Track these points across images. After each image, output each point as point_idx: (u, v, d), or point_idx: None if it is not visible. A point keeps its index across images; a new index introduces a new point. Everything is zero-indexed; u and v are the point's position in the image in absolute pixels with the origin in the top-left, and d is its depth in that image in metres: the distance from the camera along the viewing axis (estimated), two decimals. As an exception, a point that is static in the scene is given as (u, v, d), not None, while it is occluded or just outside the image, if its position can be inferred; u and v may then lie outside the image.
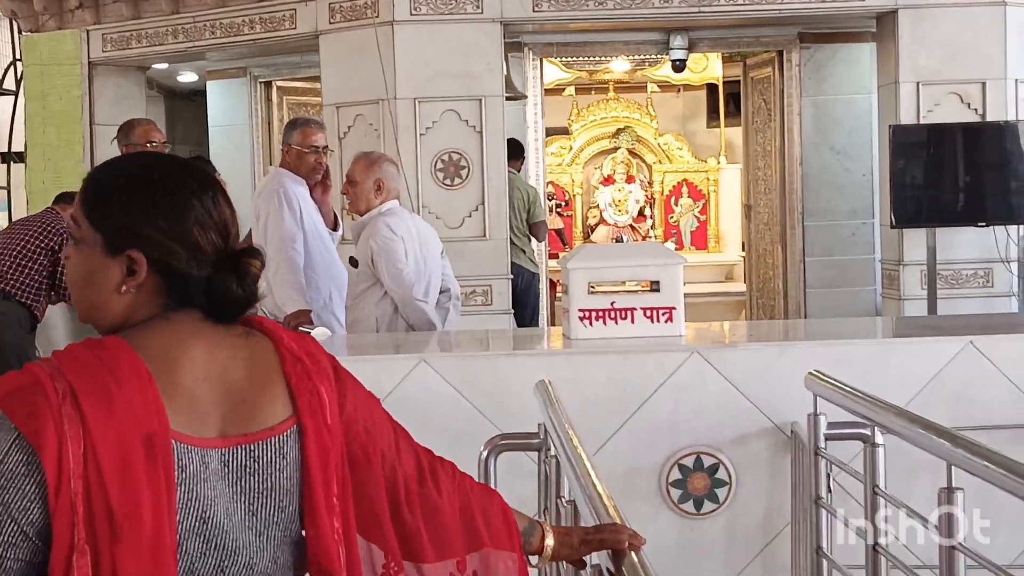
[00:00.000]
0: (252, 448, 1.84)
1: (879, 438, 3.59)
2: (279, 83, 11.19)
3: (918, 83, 8.62)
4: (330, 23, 8.70)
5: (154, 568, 1.72)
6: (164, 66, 10.93)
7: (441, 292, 5.85)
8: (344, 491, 1.94)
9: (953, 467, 2.85)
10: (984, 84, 8.62)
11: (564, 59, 11.29)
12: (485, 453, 4.05)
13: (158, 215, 1.84)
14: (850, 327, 6.54)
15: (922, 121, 8.60)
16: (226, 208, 1.92)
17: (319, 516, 1.88)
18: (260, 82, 11.11)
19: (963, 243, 8.66)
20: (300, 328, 5.33)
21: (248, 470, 1.84)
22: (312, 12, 8.80)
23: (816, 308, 10.05)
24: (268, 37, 9.18)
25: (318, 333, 5.15)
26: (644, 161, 14.48)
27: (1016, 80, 8.67)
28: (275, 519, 1.86)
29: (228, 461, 1.82)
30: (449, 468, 2.20)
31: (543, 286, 9.87)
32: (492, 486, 3.97)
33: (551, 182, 13.45)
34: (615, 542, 2.23)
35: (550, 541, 2.26)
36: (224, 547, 1.81)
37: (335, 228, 6.16)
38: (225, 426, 1.83)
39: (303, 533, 1.91)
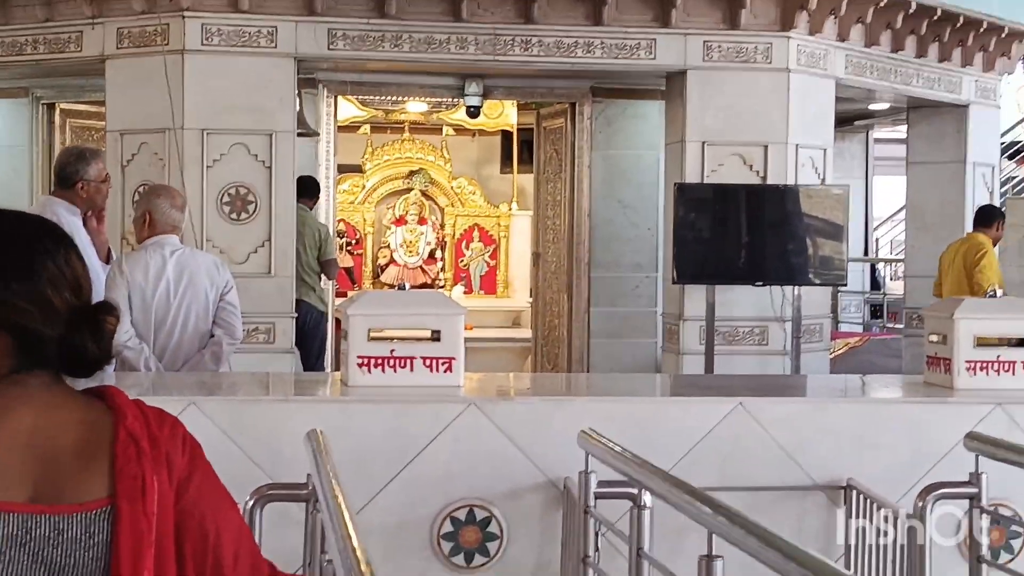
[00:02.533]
0: (57, 520, 1.78)
1: (647, 499, 3.60)
2: (63, 105, 10.80)
3: (703, 143, 8.84)
4: (118, 48, 8.46)
5: None
6: (-59, 81, 10.46)
7: (213, 334, 5.70)
8: None
9: (714, 534, 2.87)
10: (766, 147, 8.90)
11: (359, 97, 11.23)
12: (251, 502, 3.93)
13: (10, 277, 1.81)
14: (629, 384, 6.61)
15: (706, 180, 8.82)
16: (78, 264, 1.90)
17: None
18: (43, 103, 10.70)
19: (741, 301, 8.89)
20: None
21: (52, 542, 1.77)
22: (99, 36, 8.53)
23: (599, 358, 10.18)
24: (52, 58, 8.85)
25: None
26: (437, 203, 14.51)
27: (797, 145, 8.97)
28: None
29: (31, 528, 1.76)
30: None
31: (331, 325, 9.76)
32: (257, 536, 3.85)
33: (342, 220, 13.36)
34: None
35: None
36: None
37: (107, 261, 5.93)
38: (37, 493, 1.78)
39: None
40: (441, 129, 14.23)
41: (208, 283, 5.70)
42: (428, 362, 4.83)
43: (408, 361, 4.83)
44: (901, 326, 11.77)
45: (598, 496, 4.07)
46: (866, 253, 14.72)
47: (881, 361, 11.39)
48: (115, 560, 1.80)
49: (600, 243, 10.23)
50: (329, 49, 8.46)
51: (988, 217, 9.92)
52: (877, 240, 16.90)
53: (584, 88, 10.11)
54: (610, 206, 10.26)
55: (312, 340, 9.19)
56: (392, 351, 4.83)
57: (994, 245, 9.86)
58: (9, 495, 1.76)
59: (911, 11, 9.57)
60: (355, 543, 2.59)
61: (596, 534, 4.10)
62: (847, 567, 4.53)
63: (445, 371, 4.83)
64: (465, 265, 14.40)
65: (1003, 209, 10.51)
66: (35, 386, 1.84)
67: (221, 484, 1.98)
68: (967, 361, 5.02)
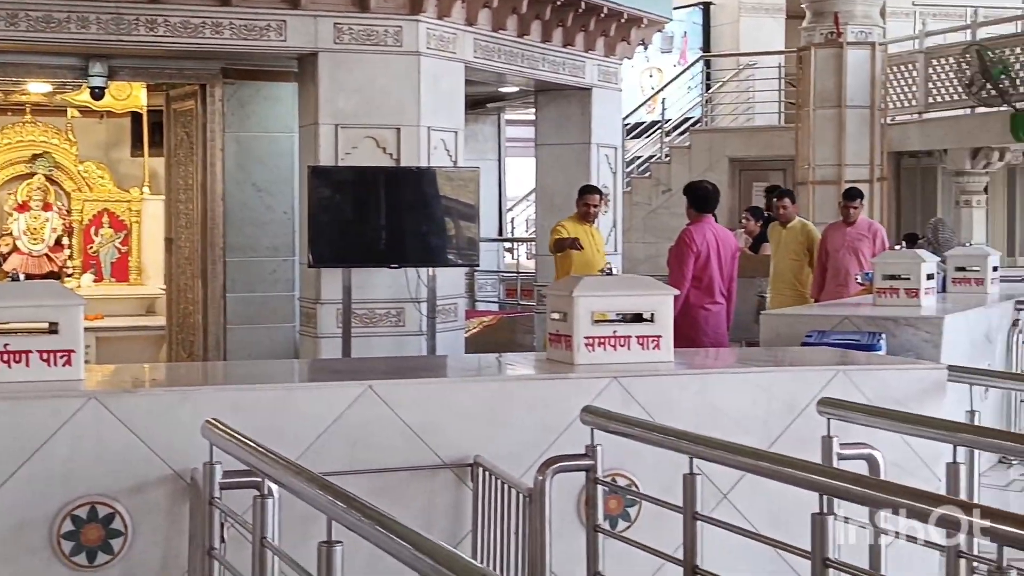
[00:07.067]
0: None
1: (271, 488, 3.57)
2: None
3: (337, 125, 8.85)
4: None
5: None
6: None
7: None
8: None
9: (333, 521, 2.87)
10: (399, 130, 8.98)
11: (-26, 77, 10.62)
12: None
13: None
14: (264, 370, 6.54)
15: (341, 163, 8.82)
16: None
17: None
18: None
19: (378, 283, 8.95)
20: None
21: None
22: None
23: (237, 344, 10.03)
24: None
25: None
26: (63, 188, 13.91)
27: (429, 128, 9.09)
28: None
29: None
30: None
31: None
32: None
33: (-40, 207, 12.62)
34: None
35: None
36: None
37: None
38: None
39: None
40: (66, 111, 13.64)
41: None
42: (45, 356, 4.63)
43: (24, 356, 4.61)
44: (534, 304, 12.14)
45: (223, 487, 4.01)
46: (500, 233, 15.10)
47: (518, 338, 11.73)
48: None
49: (235, 227, 10.06)
50: (-64, 26, 7.97)
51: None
52: (512, 220, 17.36)
53: (214, 69, 9.90)
54: (245, 190, 10.10)
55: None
56: (7, 345, 4.59)
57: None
58: None
59: (536, -3, 9.89)
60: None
61: (222, 525, 4.03)
62: (474, 544, 4.64)
63: (64, 364, 4.64)
64: (95, 252, 13.87)
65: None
66: None
67: None
68: (586, 337, 5.21)
